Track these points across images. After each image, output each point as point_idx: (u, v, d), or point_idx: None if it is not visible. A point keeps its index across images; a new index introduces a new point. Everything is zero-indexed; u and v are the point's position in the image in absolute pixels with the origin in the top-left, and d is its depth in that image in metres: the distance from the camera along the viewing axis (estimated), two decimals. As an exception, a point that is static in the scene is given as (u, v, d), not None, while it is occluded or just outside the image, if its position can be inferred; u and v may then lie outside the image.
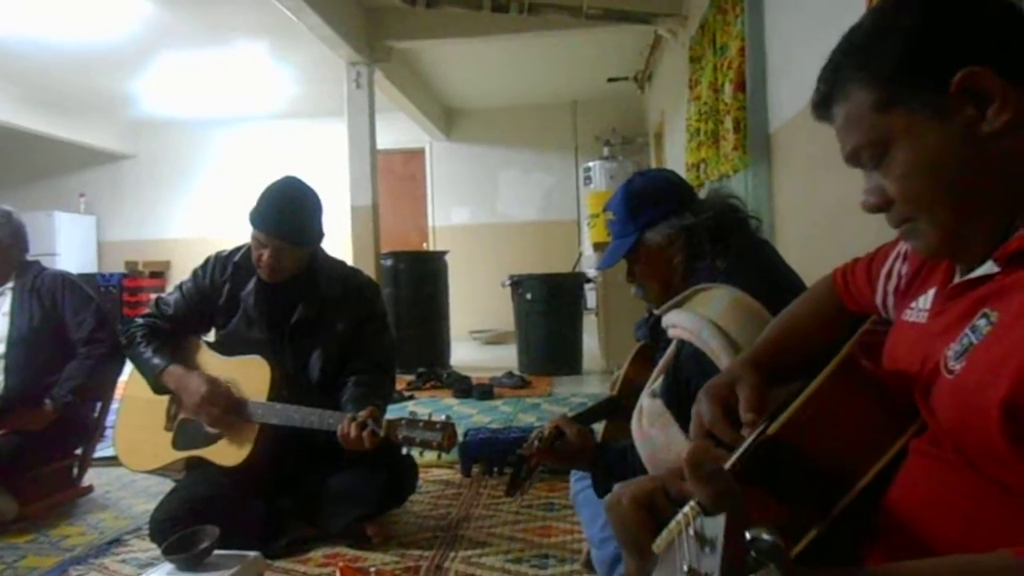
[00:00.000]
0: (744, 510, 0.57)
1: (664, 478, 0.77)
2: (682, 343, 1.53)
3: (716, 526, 0.54)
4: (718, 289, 1.54)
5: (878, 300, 1.04)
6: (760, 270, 1.63)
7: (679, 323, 1.53)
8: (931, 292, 0.89)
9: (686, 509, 0.62)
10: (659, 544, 0.66)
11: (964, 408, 0.74)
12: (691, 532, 0.56)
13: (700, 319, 1.47)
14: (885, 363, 0.93)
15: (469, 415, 4.45)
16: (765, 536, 0.51)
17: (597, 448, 1.71)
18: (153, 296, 9.73)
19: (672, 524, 0.64)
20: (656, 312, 1.72)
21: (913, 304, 0.91)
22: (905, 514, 0.80)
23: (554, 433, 1.74)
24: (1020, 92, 0.75)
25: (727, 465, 0.80)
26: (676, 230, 1.69)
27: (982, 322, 0.75)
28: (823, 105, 0.86)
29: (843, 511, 0.80)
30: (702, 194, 1.85)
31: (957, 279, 0.84)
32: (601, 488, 1.65)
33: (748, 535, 0.52)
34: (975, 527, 0.74)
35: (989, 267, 0.79)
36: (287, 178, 2.48)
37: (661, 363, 1.59)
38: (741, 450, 0.82)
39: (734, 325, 1.41)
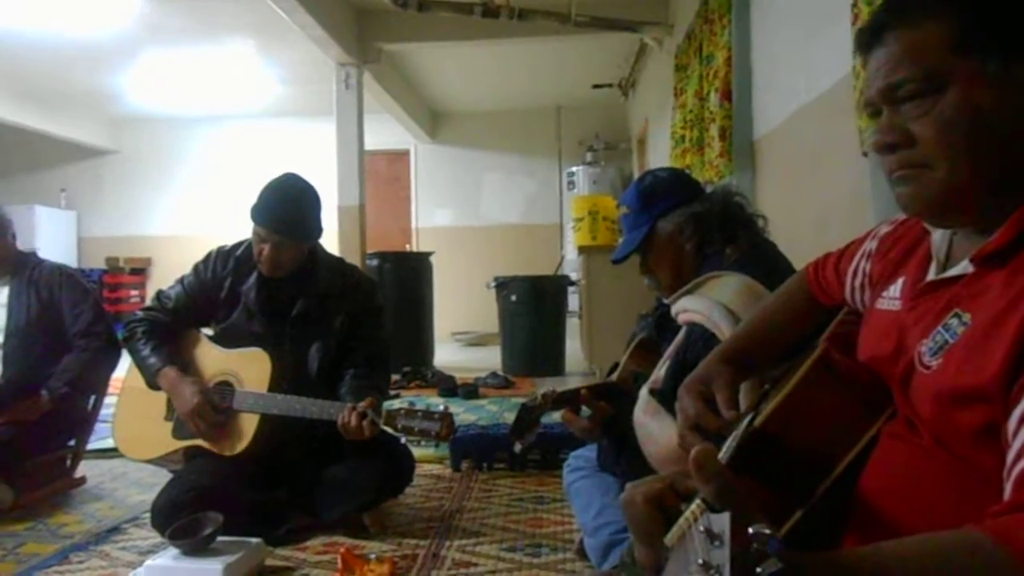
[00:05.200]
0: (746, 505, 0.62)
1: (672, 477, 0.82)
2: (692, 327, 1.61)
3: (722, 522, 0.59)
4: (729, 276, 1.62)
5: (847, 294, 1.11)
6: (770, 262, 1.72)
7: (690, 307, 1.61)
8: (900, 281, 0.94)
9: (692, 506, 0.68)
10: (670, 538, 0.72)
11: (943, 402, 0.78)
12: (700, 528, 0.61)
13: (711, 302, 1.55)
14: (861, 350, 0.98)
15: (456, 413, 4.48)
16: (766, 531, 0.56)
17: (613, 416, 1.80)
18: (134, 293, 9.76)
19: (681, 520, 0.71)
20: (666, 301, 1.80)
21: (885, 293, 0.96)
22: (879, 496, 0.85)
23: (573, 392, 1.85)
24: None
25: (719, 457, 0.84)
26: (687, 217, 1.77)
27: (954, 321, 0.79)
28: (880, 28, 0.84)
29: (825, 494, 0.86)
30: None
31: (932, 275, 0.88)
32: (607, 459, 1.72)
33: (751, 530, 0.56)
34: (949, 508, 0.77)
35: (964, 267, 0.82)
36: (287, 174, 2.54)
37: (669, 350, 1.67)
38: (732, 443, 0.89)
39: (743, 309, 1.48)
